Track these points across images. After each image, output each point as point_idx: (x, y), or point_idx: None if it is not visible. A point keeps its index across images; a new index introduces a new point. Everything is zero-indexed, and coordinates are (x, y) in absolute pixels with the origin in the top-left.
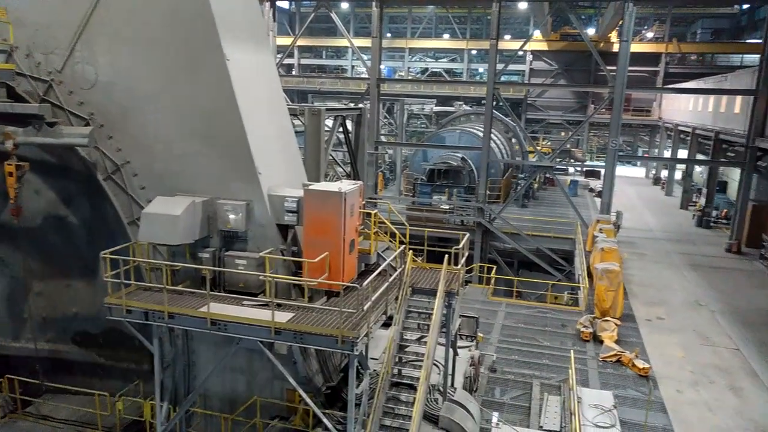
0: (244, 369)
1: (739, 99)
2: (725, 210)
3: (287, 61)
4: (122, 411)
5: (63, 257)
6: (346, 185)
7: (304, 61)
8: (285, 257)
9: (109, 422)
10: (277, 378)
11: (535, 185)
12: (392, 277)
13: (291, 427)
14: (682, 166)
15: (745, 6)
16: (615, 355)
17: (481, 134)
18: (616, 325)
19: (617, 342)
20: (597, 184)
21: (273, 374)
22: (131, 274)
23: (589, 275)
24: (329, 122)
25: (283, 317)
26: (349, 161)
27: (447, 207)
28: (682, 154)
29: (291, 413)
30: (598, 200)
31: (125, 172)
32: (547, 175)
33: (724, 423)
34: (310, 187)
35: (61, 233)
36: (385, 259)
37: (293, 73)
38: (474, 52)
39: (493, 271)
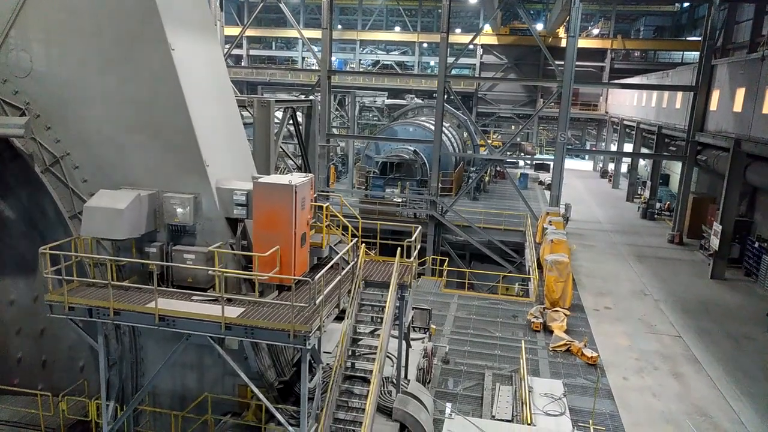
0: (194, 365)
1: (680, 95)
2: (668, 202)
3: (236, 51)
4: (66, 411)
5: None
6: (296, 178)
7: (253, 52)
8: (234, 251)
9: (53, 423)
10: (228, 374)
11: (486, 178)
12: (345, 271)
13: (243, 423)
14: (628, 160)
15: (686, 4)
16: (564, 344)
17: (432, 127)
18: (565, 315)
19: (566, 332)
20: (546, 177)
21: (224, 370)
22: (74, 270)
23: (539, 266)
24: (279, 114)
25: (233, 312)
26: (299, 154)
27: (400, 200)
28: (628, 147)
29: (243, 409)
30: (547, 193)
31: (65, 164)
32: (498, 168)
33: (666, 407)
34: (260, 180)
35: None
36: (337, 253)
37: (242, 64)
38: (425, 45)
39: (446, 263)
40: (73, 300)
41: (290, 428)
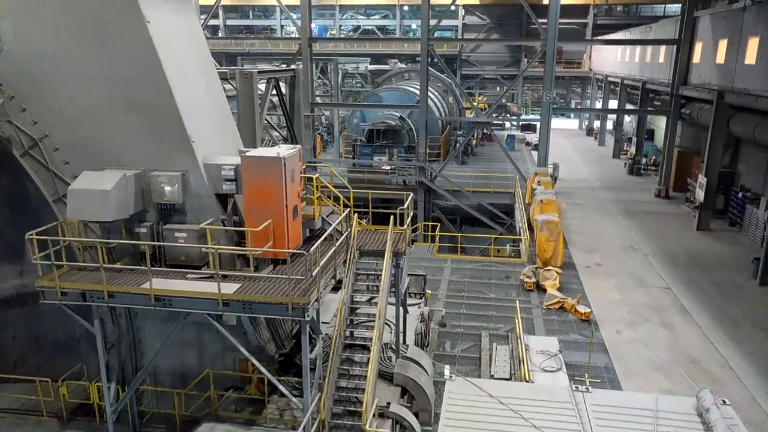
0: (193, 343)
1: (663, 49)
2: (653, 157)
3: (212, 22)
4: (67, 396)
5: None
6: (284, 150)
7: (230, 22)
8: (226, 227)
9: (54, 408)
10: (228, 349)
11: (474, 142)
12: (339, 241)
13: (246, 396)
14: (614, 117)
15: None
16: (558, 302)
17: (418, 92)
18: (557, 273)
19: (559, 290)
20: (533, 137)
21: (224, 346)
22: (62, 255)
23: (530, 227)
24: (262, 85)
25: (230, 288)
26: (285, 125)
27: (388, 168)
28: (613, 104)
29: (245, 383)
30: (534, 153)
31: (44, 146)
32: (485, 131)
33: (658, 357)
34: (248, 154)
35: None
36: (330, 224)
37: (219, 34)
38: (406, 8)
39: (438, 228)
40: (65, 285)
41: (293, 399)
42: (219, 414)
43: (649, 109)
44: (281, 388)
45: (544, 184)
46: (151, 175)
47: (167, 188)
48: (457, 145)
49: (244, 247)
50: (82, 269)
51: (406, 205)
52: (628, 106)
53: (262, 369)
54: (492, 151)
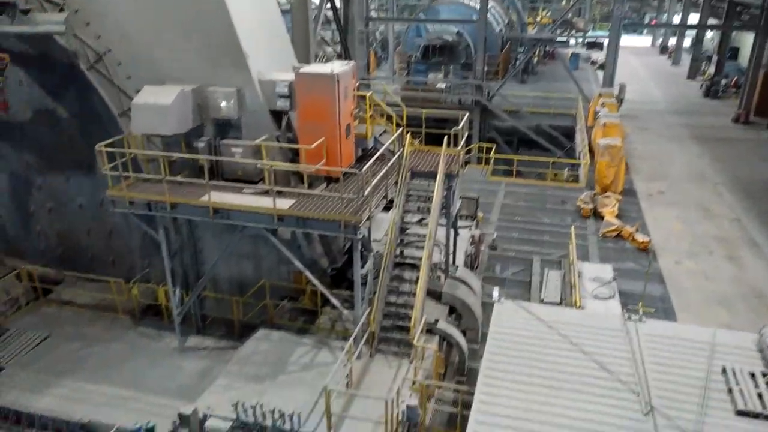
0: (250, 254)
1: None
2: (735, 78)
3: None
4: (138, 296)
5: (58, 151)
6: (338, 66)
7: None
8: (281, 144)
9: (127, 306)
10: (283, 262)
11: (535, 59)
12: (391, 162)
13: (300, 306)
14: (692, 33)
15: None
16: (615, 229)
17: (477, 6)
18: (616, 200)
19: (618, 217)
20: (600, 56)
21: (279, 258)
22: (129, 167)
23: (591, 151)
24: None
25: (284, 204)
26: (338, 40)
27: (443, 86)
28: (693, 19)
29: (299, 294)
30: (600, 73)
31: (108, 60)
32: (547, 49)
33: (720, 290)
34: (301, 70)
35: (53, 127)
36: (382, 144)
37: None
38: None
39: (492, 150)
40: (133, 195)
41: (345, 311)
42: (274, 321)
43: (735, 24)
44: (333, 300)
45: (609, 107)
46: (208, 90)
47: (223, 104)
48: (517, 62)
49: (298, 164)
50: (146, 181)
51: (460, 126)
52: (711, 21)
53: (315, 281)
54: (554, 70)
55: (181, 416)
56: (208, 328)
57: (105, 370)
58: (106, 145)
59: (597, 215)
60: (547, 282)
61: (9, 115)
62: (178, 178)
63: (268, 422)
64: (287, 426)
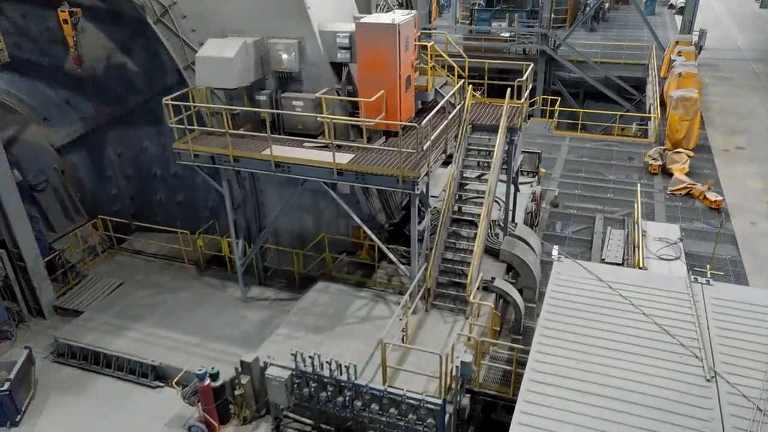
0: (310, 208)
1: None
2: None
3: None
4: (203, 247)
5: (129, 104)
6: (399, 16)
7: None
8: (341, 97)
9: (193, 257)
10: (341, 216)
11: (606, 5)
12: (451, 115)
13: (358, 260)
14: None
15: None
16: (685, 187)
17: None
18: (688, 156)
19: (688, 174)
20: None
21: (338, 212)
22: (194, 120)
23: (662, 104)
24: None
25: (343, 158)
26: None
27: (507, 35)
28: None
29: (357, 248)
30: (678, 18)
31: (173, 13)
32: None
33: None
34: (362, 20)
35: (123, 80)
36: (443, 96)
37: None
38: None
39: (557, 103)
40: (197, 148)
41: (401, 266)
42: (333, 274)
43: None
44: (390, 255)
45: (686, 55)
46: (269, 42)
47: (284, 56)
48: (587, 9)
49: (358, 117)
50: (210, 134)
51: (524, 77)
52: None
53: (373, 236)
54: (627, 16)
55: (242, 363)
56: (270, 279)
57: (173, 316)
58: (172, 99)
59: (666, 172)
60: (610, 241)
61: (83, 69)
62: (241, 132)
63: (326, 372)
64: (344, 377)
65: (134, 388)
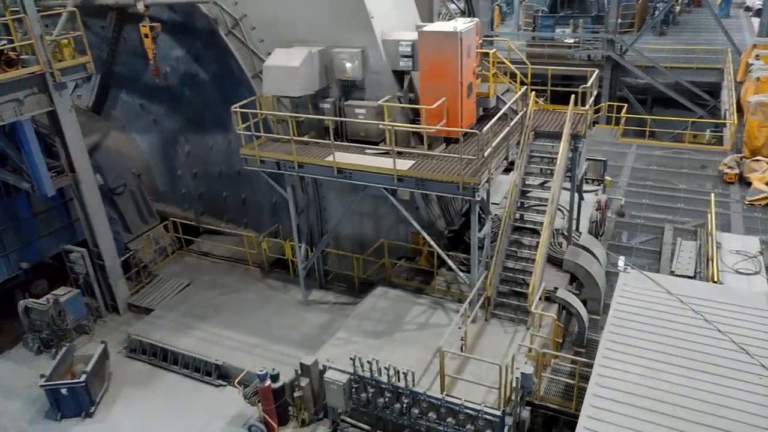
0: (370, 214)
1: None
2: None
3: None
4: (267, 250)
5: (200, 112)
6: (461, 24)
7: None
8: (402, 105)
9: (257, 259)
10: (401, 222)
11: (677, 8)
12: (513, 121)
13: (417, 267)
14: None
15: None
16: (765, 197)
17: None
18: None
19: None
20: (756, 0)
21: (398, 218)
22: (260, 126)
23: (739, 110)
24: None
25: (404, 165)
26: None
27: (572, 41)
28: None
29: (416, 254)
30: (755, 21)
31: (244, 25)
32: None
33: None
34: (424, 29)
35: (195, 89)
36: (505, 102)
37: None
38: None
39: (624, 110)
40: (263, 154)
41: (461, 274)
42: (392, 280)
43: None
44: (449, 262)
45: (764, 58)
46: (334, 51)
47: (348, 65)
48: (656, 12)
49: (418, 124)
50: (276, 141)
51: (589, 83)
52: None
53: (432, 243)
54: (699, 19)
55: (302, 366)
56: (330, 283)
57: (237, 317)
58: (240, 106)
59: (743, 181)
60: (680, 253)
61: (160, 79)
62: (305, 138)
63: (383, 378)
64: (401, 383)
65: (199, 386)
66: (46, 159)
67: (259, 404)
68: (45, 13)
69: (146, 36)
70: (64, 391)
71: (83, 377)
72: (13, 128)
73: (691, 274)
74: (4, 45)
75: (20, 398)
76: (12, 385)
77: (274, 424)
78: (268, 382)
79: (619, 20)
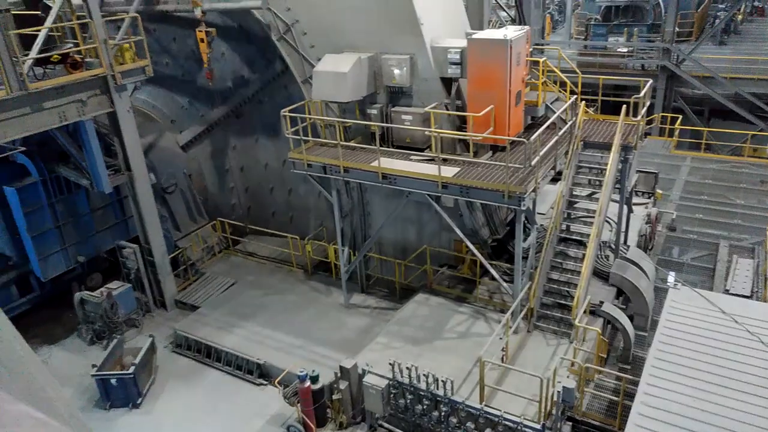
0: (414, 220)
1: None
2: None
3: None
4: (311, 252)
5: (250, 115)
6: (511, 32)
7: None
8: (449, 112)
9: (301, 261)
10: (444, 229)
11: (739, 17)
12: (562, 131)
13: (459, 275)
14: None
15: None
16: None
17: None
18: None
19: None
20: None
21: (441, 226)
22: (308, 131)
23: None
24: None
25: (449, 172)
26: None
27: (625, 50)
28: None
29: (459, 262)
30: None
31: (295, 31)
32: (757, 3)
33: None
34: (474, 37)
35: (246, 93)
36: (554, 111)
37: None
38: None
39: (678, 121)
40: (311, 158)
41: (504, 283)
42: (433, 287)
43: None
44: (492, 271)
45: None
46: (383, 58)
47: (396, 71)
48: (716, 21)
49: (465, 131)
50: (323, 145)
51: (642, 93)
52: None
53: (475, 251)
54: (763, 29)
55: (342, 369)
56: (371, 288)
57: (280, 317)
58: (289, 111)
59: None
60: (736, 271)
61: (213, 83)
62: (352, 144)
63: (422, 385)
64: (440, 391)
65: (240, 384)
66: (104, 158)
67: (298, 405)
68: (108, 18)
69: (202, 41)
70: (113, 381)
71: (132, 369)
72: (76, 128)
73: (748, 294)
74: (70, 48)
75: (72, 386)
76: (66, 373)
77: (312, 426)
78: (308, 383)
79: (677, 29)
